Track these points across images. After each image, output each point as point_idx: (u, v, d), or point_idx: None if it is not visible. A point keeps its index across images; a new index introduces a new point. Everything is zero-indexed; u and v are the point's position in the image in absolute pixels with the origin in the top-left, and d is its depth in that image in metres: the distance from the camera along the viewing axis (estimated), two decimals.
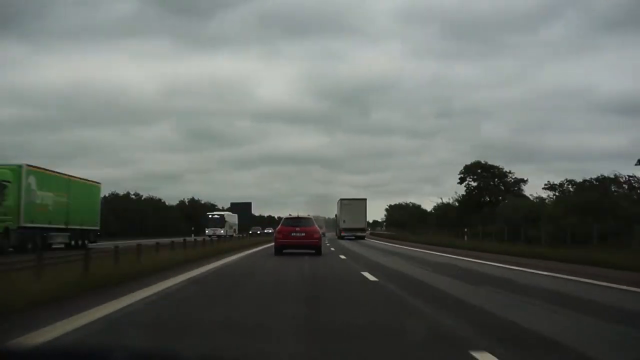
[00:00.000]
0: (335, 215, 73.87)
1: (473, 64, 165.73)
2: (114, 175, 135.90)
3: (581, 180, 47.64)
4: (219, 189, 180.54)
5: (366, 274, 15.41)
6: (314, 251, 25.43)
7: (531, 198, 56.37)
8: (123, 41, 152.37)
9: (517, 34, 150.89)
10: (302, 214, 28.65)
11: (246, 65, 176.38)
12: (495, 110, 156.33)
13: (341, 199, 66.88)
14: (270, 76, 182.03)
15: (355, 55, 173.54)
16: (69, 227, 31.85)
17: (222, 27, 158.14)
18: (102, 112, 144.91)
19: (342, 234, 62.84)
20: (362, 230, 63.85)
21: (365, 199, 67.31)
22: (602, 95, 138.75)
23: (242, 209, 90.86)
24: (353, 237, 59.48)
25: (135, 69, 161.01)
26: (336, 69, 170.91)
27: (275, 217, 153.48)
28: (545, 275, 15.99)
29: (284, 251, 25.63)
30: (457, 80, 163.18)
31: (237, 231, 69.81)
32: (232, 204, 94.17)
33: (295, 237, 25.70)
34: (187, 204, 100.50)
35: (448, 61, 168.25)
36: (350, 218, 62.58)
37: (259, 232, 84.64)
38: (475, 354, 5.67)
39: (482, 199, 69.42)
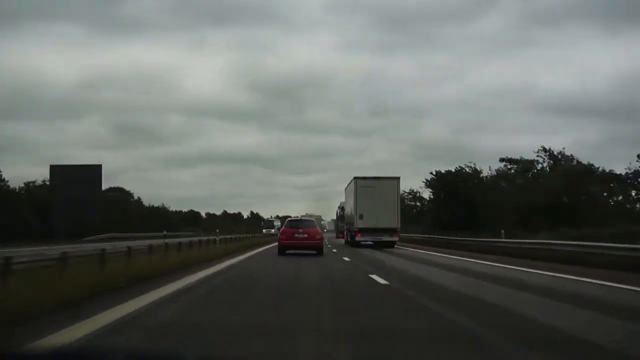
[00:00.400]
0: (341, 209, 50.04)
1: (408, 58, 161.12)
2: (39, 174, 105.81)
3: None
4: (158, 188, 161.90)
5: None
6: (315, 252, 25.98)
7: None
8: (31, 24, 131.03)
9: (450, 26, 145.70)
10: (296, 213, 30.38)
11: (171, 54, 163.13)
12: (434, 108, 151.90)
13: (356, 178, 39.28)
14: (198, 67, 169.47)
15: (286, 47, 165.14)
16: None
17: (138, 10, 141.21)
18: (19, 105, 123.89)
19: (358, 237, 37.83)
20: (392, 231, 37.40)
21: (397, 179, 39.49)
22: (542, 93, 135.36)
23: (73, 176, 49.60)
24: (371, 243, 37.56)
25: (51, 57, 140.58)
26: (267, 61, 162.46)
27: (203, 213, 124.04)
28: None
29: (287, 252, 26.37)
30: (392, 76, 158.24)
31: None
32: (51, 167, 53.51)
33: (298, 238, 26.44)
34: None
35: (382, 55, 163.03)
36: (372, 210, 37.20)
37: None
38: None
39: None
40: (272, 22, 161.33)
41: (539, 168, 56.13)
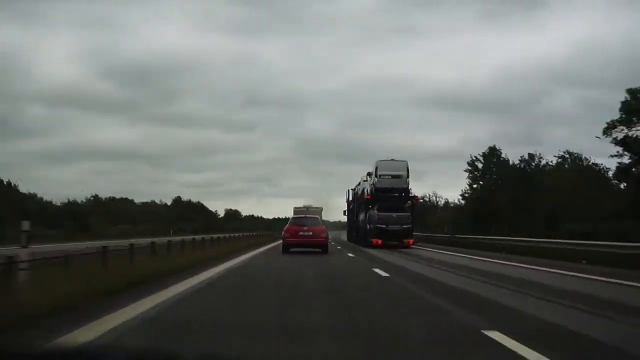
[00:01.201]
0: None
1: (279, 41, 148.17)
2: None
3: None
4: (37, 189, 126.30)
5: None
6: (320, 250, 25.58)
7: None
8: None
9: (319, 4, 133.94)
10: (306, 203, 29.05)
11: (5, 29, 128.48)
12: (316, 101, 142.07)
13: None
14: (44, 47, 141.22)
15: (138, 25, 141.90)
16: None
17: None
18: None
19: None
20: None
21: None
22: (426, 86, 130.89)
23: None
24: None
25: None
26: (122, 43, 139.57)
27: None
28: None
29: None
30: (265, 62, 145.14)
31: None
32: None
33: (302, 236, 25.99)
34: None
35: (250, 36, 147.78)
36: None
37: None
38: None
39: None
40: None
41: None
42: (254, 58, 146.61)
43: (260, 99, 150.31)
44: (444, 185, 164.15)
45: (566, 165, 51.09)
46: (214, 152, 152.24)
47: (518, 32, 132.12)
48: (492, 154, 57.25)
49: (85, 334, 6.37)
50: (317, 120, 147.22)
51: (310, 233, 26.06)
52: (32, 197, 68.23)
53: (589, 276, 14.60)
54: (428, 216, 62.63)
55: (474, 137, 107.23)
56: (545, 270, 16.56)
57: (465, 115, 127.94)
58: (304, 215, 28.13)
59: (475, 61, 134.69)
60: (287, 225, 27.57)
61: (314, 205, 41.57)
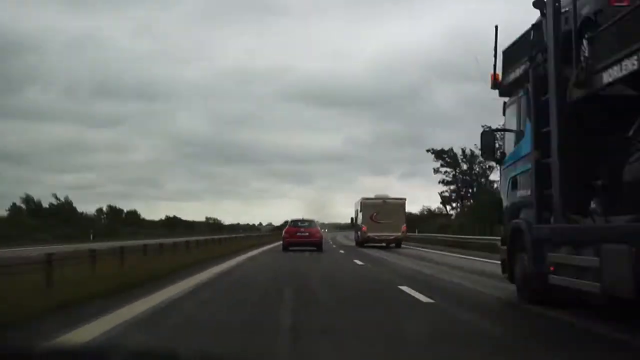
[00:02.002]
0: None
1: (123, 16, 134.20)
2: None
3: None
4: None
5: None
6: (315, 248, 29.01)
7: None
8: None
9: None
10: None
11: None
12: (183, 94, 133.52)
13: None
14: None
15: None
16: None
17: None
18: None
19: None
20: None
21: None
22: (299, 81, 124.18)
23: None
24: None
25: None
26: None
27: None
28: None
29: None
30: (114, 43, 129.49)
31: None
32: None
33: (300, 236, 29.68)
34: None
35: (89, 11, 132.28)
36: None
37: None
38: None
39: None
40: None
41: None
42: (98, 38, 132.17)
43: (117, 90, 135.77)
44: (338, 187, 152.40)
45: None
46: (81, 150, 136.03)
47: (391, 18, 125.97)
48: None
49: None
50: (189, 116, 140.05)
51: (307, 234, 29.69)
52: None
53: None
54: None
55: (358, 136, 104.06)
56: None
57: (345, 112, 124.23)
58: (301, 218, 31.31)
59: (350, 48, 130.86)
60: (286, 227, 31.49)
61: (391, 196, 34.42)
